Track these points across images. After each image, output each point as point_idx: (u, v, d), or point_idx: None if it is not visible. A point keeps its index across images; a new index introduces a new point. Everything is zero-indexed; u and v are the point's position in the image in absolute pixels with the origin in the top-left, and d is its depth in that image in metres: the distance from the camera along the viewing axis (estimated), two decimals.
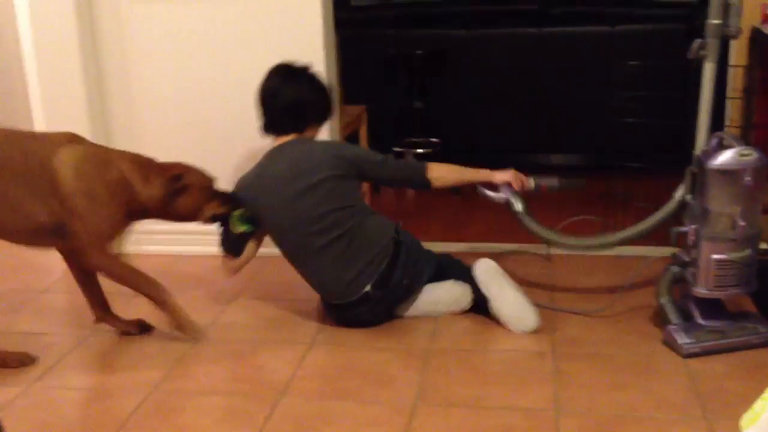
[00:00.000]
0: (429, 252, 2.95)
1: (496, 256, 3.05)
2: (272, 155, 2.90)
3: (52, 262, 3.37)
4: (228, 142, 3.53)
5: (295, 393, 2.42)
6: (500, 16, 4.86)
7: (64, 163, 2.54)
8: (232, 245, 2.92)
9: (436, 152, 4.64)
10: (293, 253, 2.88)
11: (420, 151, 4.67)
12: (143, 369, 2.60)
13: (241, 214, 2.87)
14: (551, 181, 3.07)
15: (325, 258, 2.78)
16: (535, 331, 2.74)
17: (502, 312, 2.78)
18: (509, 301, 2.78)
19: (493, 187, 3.00)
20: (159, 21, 3.48)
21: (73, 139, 2.65)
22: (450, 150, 4.63)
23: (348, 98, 4.09)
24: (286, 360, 2.63)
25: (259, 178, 2.87)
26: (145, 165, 2.71)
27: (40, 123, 5.22)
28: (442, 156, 4.57)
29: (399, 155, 4.83)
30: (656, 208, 2.81)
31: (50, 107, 3.60)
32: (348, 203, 2.81)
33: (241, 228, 2.88)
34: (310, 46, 3.38)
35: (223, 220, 2.88)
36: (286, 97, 2.90)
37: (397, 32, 4.78)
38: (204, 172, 2.84)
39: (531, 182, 3.01)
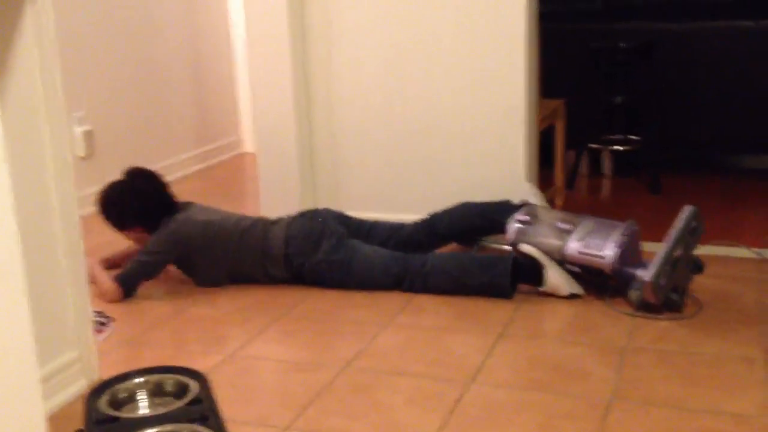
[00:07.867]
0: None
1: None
2: None
3: None
4: (425, 129, 3.60)
5: (485, 380, 2.40)
6: (713, 8, 4.61)
7: None
8: None
9: (636, 150, 4.46)
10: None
11: (619, 148, 4.51)
12: (337, 347, 2.67)
13: None
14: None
15: None
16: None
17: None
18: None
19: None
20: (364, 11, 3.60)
21: None
22: (650, 148, 4.45)
23: (547, 92, 4.02)
24: (476, 348, 2.61)
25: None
26: None
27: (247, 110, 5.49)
28: (642, 154, 4.44)
29: (596, 152, 4.71)
30: None
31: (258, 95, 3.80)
32: None
33: None
34: (512, 39, 3.37)
35: None
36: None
37: (602, 25, 4.63)
38: None
39: None
